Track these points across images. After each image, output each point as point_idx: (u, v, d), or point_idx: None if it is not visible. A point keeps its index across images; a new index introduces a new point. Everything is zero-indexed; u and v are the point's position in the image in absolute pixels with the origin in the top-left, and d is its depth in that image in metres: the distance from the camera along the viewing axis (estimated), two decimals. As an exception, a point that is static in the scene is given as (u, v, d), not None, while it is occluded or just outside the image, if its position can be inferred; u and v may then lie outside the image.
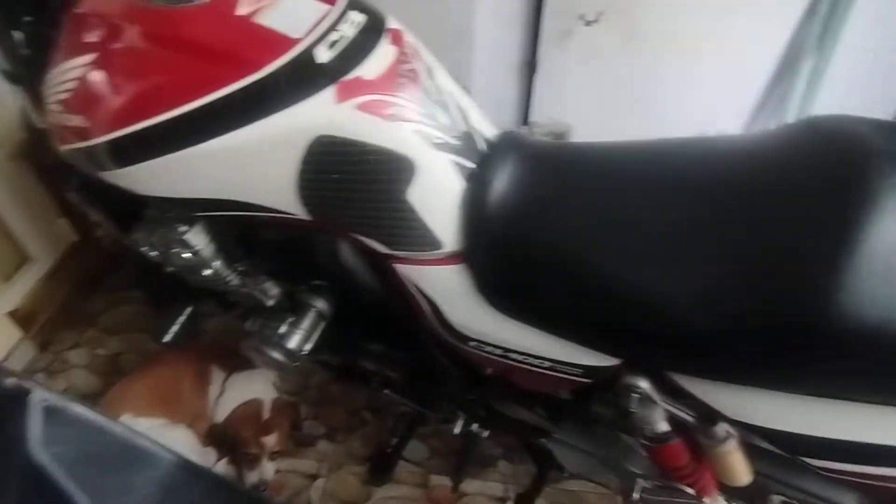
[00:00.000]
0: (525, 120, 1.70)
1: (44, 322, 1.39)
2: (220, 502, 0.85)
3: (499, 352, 0.71)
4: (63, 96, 0.63)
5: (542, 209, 0.64)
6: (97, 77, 0.61)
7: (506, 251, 0.63)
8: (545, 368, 0.69)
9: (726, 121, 1.71)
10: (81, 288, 1.51)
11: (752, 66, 1.64)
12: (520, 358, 0.70)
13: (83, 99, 0.62)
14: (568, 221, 0.63)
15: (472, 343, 0.72)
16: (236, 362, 1.29)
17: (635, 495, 0.77)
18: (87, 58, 0.62)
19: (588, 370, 0.66)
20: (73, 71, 0.62)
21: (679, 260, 0.57)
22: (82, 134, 0.63)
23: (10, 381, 0.68)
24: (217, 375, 1.26)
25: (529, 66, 1.57)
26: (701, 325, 0.53)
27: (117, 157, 0.64)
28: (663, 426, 0.67)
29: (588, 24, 1.49)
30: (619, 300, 0.59)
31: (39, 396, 0.72)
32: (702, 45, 1.56)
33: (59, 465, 0.79)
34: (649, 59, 1.58)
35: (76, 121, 0.63)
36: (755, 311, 0.51)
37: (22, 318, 1.33)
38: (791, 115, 1.65)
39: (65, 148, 0.68)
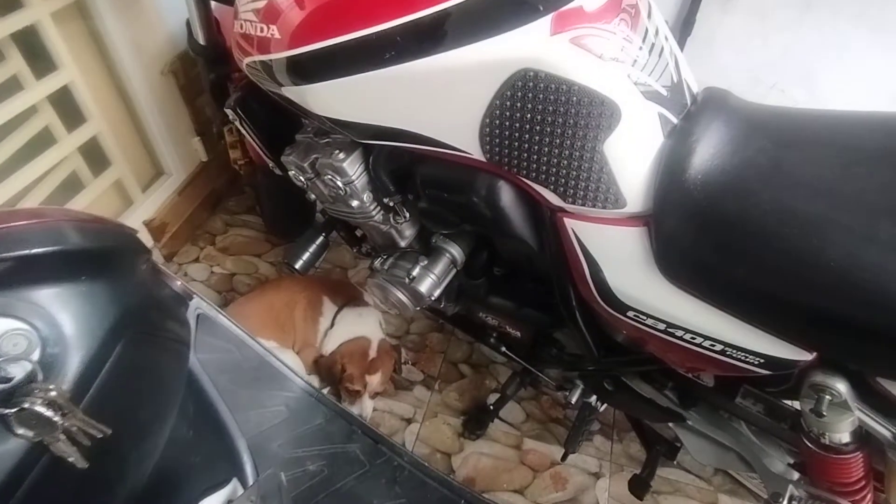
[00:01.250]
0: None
1: (172, 234, 1.46)
2: (340, 429, 0.88)
3: (662, 326, 0.65)
4: (259, 4, 0.62)
5: (750, 177, 0.57)
6: (295, -13, 0.59)
7: (701, 219, 0.57)
8: (715, 352, 0.63)
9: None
10: (205, 206, 1.58)
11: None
12: (686, 336, 0.64)
13: (278, 9, 0.60)
14: (780, 193, 0.55)
15: (630, 313, 0.67)
16: (347, 297, 1.31)
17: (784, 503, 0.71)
18: (288, -35, 0.60)
19: (770, 361, 0.59)
20: (272, -22, 0.60)
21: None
22: (271, 46, 0.62)
23: (178, 285, 0.71)
24: (328, 308, 1.28)
25: (685, 24, 1.43)
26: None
27: (303, 72, 0.62)
28: (847, 436, 0.60)
29: (759, -16, 1.33)
30: (833, 285, 0.51)
31: (196, 304, 0.75)
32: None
33: (204, 370, 0.82)
34: (826, 22, 1.39)
35: (269, 31, 0.61)
36: None
37: (154, 228, 1.41)
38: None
39: (248, 60, 0.67)
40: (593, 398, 0.96)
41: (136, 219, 1.36)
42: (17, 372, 0.32)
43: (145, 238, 1.39)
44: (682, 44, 1.47)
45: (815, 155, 0.58)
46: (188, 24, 0.99)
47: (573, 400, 0.96)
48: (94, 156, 1.26)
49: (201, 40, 1.00)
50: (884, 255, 0.50)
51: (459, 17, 0.54)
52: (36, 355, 0.33)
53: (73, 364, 0.35)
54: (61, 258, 0.34)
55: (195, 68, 1.32)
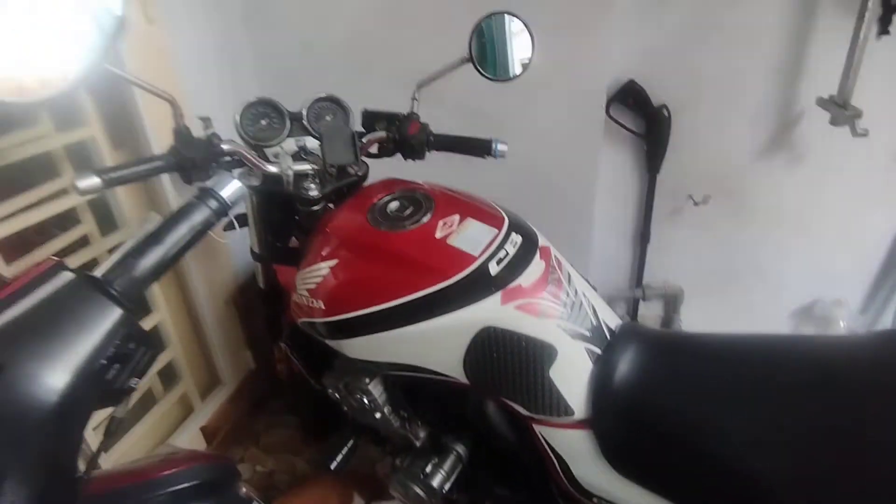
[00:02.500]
0: (639, 282, 1.86)
1: (221, 438, 1.68)
2: None
3: (621, 511, 0.82)
4: (311, 286, 0.92)
5: (658, 389, 0.79)
6: (334, 277, 0.90)
7: (625, 423, 0.78)
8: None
9: (843, 291, 1.75)
10: (251, 410, 1.81)
11: (870, 238, 1.70)
12: (641, 520, 0.80)
13: (323, 290, 0.90)
14: (680, 402, 0.77)
15: (594, 499, 0.84)
16: (374, 491, 1.46)
17: None
18: (330, 263, 0.91)
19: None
20: (320, 270, 0.91)
21: (786, 447, 0.68)
22: (318, 313, 0.91)
23: (244, 491, 0.91)
24: (358, 502, 1.43)
25: (643, 237, 1.77)
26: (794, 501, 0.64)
27: (340, 331, 0.90)
28: None
29: (696, 204, 1.68)
30: (723, 473, 0.70)
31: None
32: (809, 218, 1.67)
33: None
34: (757, 232, 1.72)
35: (316, 304, 0.91)
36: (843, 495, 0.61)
37: (208, 433, 1.63)
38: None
39: (303, 319, 0.96)
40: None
41: (194, 426, 1.59)
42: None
43: (199, 442, 1.61)
44: (643, 251, 1.78)
45: (708, 371, 0.80)
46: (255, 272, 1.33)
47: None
48: (167, 374, 1.54)
49: (262, 286, 1.33)
50: (762, 454, 0.69)
51: (443, 297, 0.82)
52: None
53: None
54: (196, 488, 0.57)
55: (250, 293, 1.66)
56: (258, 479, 1.64)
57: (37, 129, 1.15)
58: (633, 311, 1.94)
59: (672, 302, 1.87)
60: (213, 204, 0.54)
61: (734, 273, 1.81)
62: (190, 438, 1.58)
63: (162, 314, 1.45)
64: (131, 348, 0.43)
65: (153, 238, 0.49)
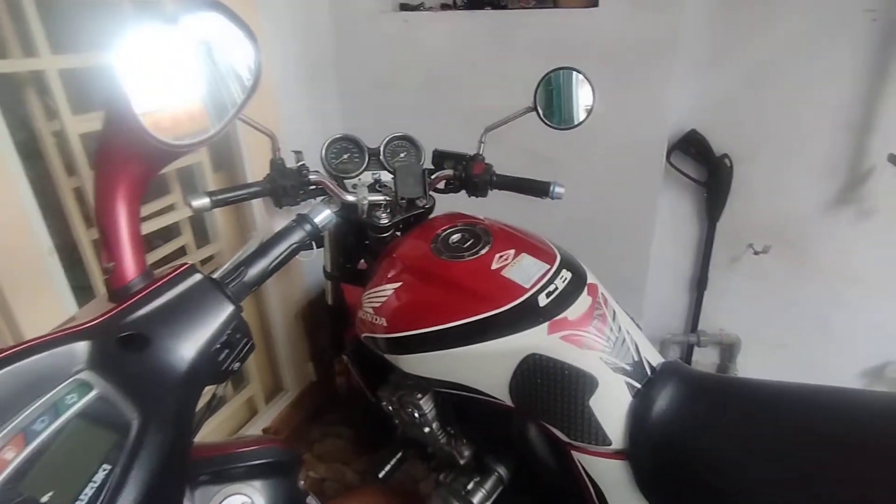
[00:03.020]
0: (693, 328, 1.85)
1: (281, 440, 1.79)
2: None
3: (651, 541, 0.85)
4: (376, 304, 1.02)
5: (694, 427, 0.83)
6: (397, 298, 1.00)
7: (660, 456, 0.82)
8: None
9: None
10: (309, 418, 1.93)
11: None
12: (671, 552, 0.83)
13: (387, 309, 1.00)
14: (715, 442, 0.80)
15: (630, 530, 0.87)
16: (417, 502, 1.52)
17: None
18: (394, 285, 1.01)
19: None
20: (385, 291, 1.01)
21: (816, 496, 0.70)
22: (380, 329, 1.01)
23: (302, 484, 1.01)
24: (400, 515, 1.49)
25: (699, 284, 1.77)
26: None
27: (398, 347, 0.99)
28: None
29: (756, 253, 1.67)
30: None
31: (310, 501, 1.03)
32: (879, 275, 1.63)
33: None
34: (822, 285, 1.68)
35: (380, 321, 1.01)
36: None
37: (270, 434, 1.75)
38: None
39: (366, 334, 1.06)
40: None
41: (258, 426, 1.72)
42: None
43: (261, 444, 1.74)
44: (699, 297, 1.79)
45: (743, 416, 0.83)
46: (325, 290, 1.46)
47: None
48: (237, 376, 1.69)
49: (330, 302, 1.45)
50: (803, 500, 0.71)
51: (494, 323, 0.90)
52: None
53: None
54: (267, 465, 0.67)
55: (317, 310, 1.80)
56: (310, 485, 1.72)
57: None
58: (687, 357, 1.93)
59: (728, 350, 1.85)
60: (308, 227, 0.65)
61: (796, 326, 1.77)
62: (253, 439, 1.71)
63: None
64: (237, 338, 0.54)
65: (259, 252, 0.61)
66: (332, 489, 1.72)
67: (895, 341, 1.70)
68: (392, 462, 1.32)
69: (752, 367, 1.86)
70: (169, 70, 0.50)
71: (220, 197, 0.94)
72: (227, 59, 0.55)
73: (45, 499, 0.38)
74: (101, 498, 0.39)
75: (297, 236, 0.63)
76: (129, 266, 0.51)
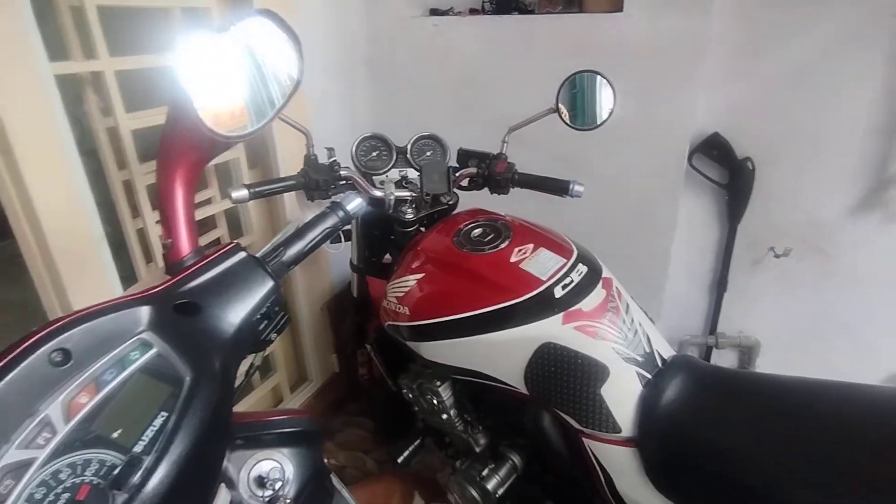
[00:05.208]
0: (712, 330, 1.86)
1: (304, 428, 1.86)
2: None
3: (658, 528, 0.88)
4: (400, 294, 1.08)
5: (702, 418, 0.86)
6: (420, 288, 1.05)
7: (669, 445, 0.85)
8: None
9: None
10: (332, 408, 1.99)
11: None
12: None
13: (410, 298, 1.06)
14: (722, 433, 0.83)
15: (638, 516, 0.91)
16: (434, 494, 1.57)
17: None
18: (418, 276, 1.06)
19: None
20: (408, 281, 1.07)
21: (822, 493, 0.73)
22: (403, 318, 1.06)
23: (326, 461, 1.06)
24: (418, 501, 1.55)
25: (719, 286, 1.78)
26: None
27: (420, 335, 1.04)
28: None
29: (777, 256, 1.68)
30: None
31: (333, 479, 1.09)
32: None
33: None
34: (844, 290, 1.68)
35: (403, 310, 1.06)
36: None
37: (294, 422, 1.82)
38: None
39: (389, 322, 1.12)
40: None
41: (283, 414, 1.80)
42: (278, 487, 0.68)
43: (286, 429, 1.81)
44: (719, 299, 1.80)
45: (749, 409, 0.86)
46: (350, 282, 1.52)
47: None
48: (264, 365, 1.76)
49: (355, 294, 1.51)
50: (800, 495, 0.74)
51: (511, 313, 0.94)
52: (284, 479, 0.69)
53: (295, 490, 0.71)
54: (295, 433, 0.74)
55: (342, 303, 1.87)
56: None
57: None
58: (705, 359, 1.94)
59: (747, 353, 1.85)
60: (340, 214, 0.71)
61: (817, 330, 1.76)
62: (279, 424, 1.78)
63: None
64: (276, 310, 0.61)
65: (296, 234, 0.67)
66: (353, 477, 1.78)
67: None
68: (411, 448, 1.37)
69: (771, 370, 1.84)
70: (222, 71, 0.56)
71: (257, 189, 1.01)
72: (272, 62, 0.61)
73: (114, 435, 0.44)
74: (160, 439, 0.45)
75: (330, 221, 0.69)
76: (184, 243, 0.58)
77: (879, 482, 0.71)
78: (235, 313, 0.56)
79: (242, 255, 0.59)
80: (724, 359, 1.93)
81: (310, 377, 1.94)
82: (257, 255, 0.63)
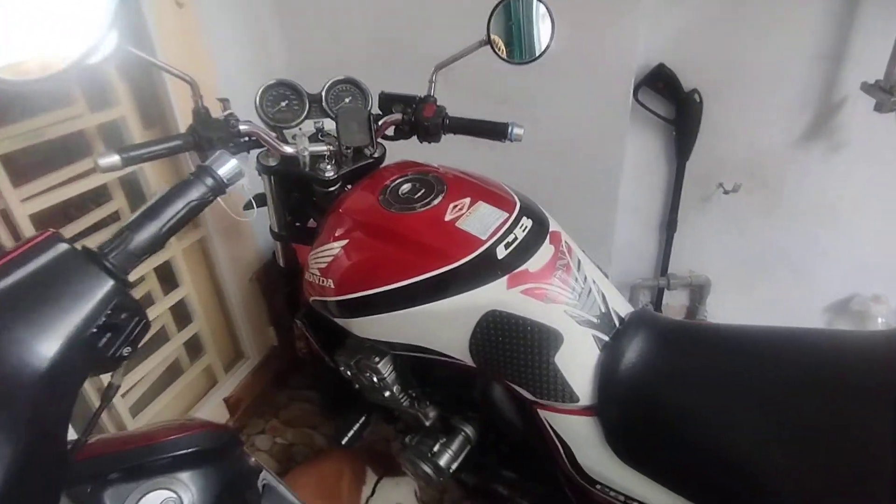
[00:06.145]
0: (664, 272, 1.82)
1: (244, 409, 1.73)
2: None
3: (622, 498, 0.81)
4: (322, 265, 0.93)
5: (664, 379, 0.78)
6: (345, 257, 0.91)
7: (630, 411, 0.77)
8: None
9: (882, 286, 1.67)
10: (273, 384, 1.86)
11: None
12: (643, 509, 0.80)
13: (334, 270, 0.92)
14: (685, 393, 0.75)
15: (598, 486, 0.84)
16: (387, 467, 1.49)
17: None
18: (341, 243, 0.92)
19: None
20: (331, 250, 0.93)
21: (786, 443, 0.67)
22: (328, 292, 0.93)
23: (252, 461, 0.94)
24: (370, 477, 1.46)
25: (669, 225, 1.72)
26: (793, 498, 0.62)
27: (348, 310, 0.91)
28: None
29: (727, 192, 1.62)
30: (725, 467, 0.69)
31: (264, 475, 0.97)
32: (849, 210, 1.60)
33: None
34: (792, 223, 1.65)
35: (327, 283, 0.92)
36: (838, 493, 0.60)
37: (231, 404, 1.68)
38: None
39: (314, 298, 0.98)
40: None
41: (217, 396, 1.65)
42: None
43: (222, 413, 1.67)
44: (669, 239, 1.74)
45: (715, 361, 0.78)
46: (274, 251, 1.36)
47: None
48: (192, 345, 1.60)
49: (282, 264, 1.35)
50: (761, 444, 0.67)
51: (448, 280, 0.82)
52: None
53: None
54: (197, 454, 0.60)
55: (273, 272, 1.70)
56: (278, 451, 1.69)
57: (71, 109, 1.19)
58: (657, 301, 1.90)
59: (698, 292, 1.83)
60: (210, 182, 0.55)
61: (765, 265, 1.74)
62: (213, 409, 1.63)
63: (188, 289, 1.49)
64: (123, 318, 0.45)
65: (149, 213, 0.51)
66: (301, 454, 1.67)
67: (862, 275, 1.69)
68: (356, 427, 1.27)
69: (722, 308, 1.84)
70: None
71: (132, 154, 0.82)
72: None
73: None
74: None
75: (196, 192, 0.53)
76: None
77: (852, 428, 0.66)
78: (52, 333, 0.40)
79: (63, 247, 0.43)
80: (676, 299, 1.91)
81: (246, 354, 1.79)
82: (91, 245, 0.47)
